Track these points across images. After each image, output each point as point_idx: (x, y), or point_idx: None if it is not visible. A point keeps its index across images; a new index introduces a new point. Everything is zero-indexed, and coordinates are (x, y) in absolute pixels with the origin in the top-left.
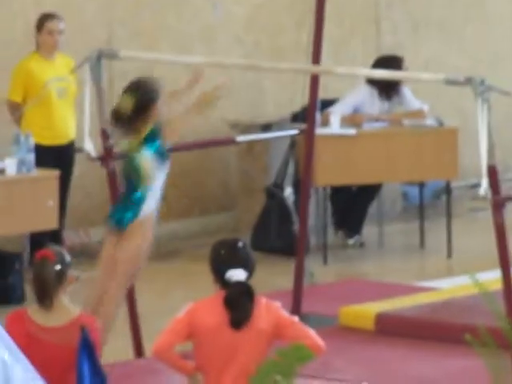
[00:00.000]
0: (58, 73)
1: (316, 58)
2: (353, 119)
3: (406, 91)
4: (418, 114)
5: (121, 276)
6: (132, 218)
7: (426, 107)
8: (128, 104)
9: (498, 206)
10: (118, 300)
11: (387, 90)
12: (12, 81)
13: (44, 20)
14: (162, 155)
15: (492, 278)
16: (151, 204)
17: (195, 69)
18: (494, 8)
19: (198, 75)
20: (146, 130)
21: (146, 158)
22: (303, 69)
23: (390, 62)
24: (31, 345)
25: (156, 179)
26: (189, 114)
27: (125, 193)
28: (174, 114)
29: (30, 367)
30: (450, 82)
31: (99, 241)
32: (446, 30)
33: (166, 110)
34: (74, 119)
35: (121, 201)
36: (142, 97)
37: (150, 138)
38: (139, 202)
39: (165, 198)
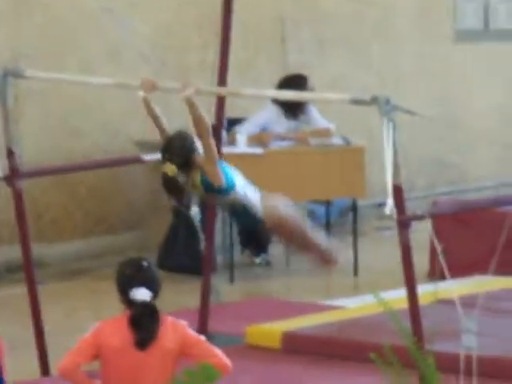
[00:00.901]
0: None
1: (222, 79)
2: (260, 138)
3: (313, 110)
4: (324, 132)
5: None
6: None
7: (332, 126)
8: (172, 170)
9: (403, 225)
10: None
11: (293, 109)
12: None
13: None
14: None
15: (398, 296)
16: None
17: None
18: (400, 27)
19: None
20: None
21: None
22: (212, 90)
23: (294, 80)
24: None
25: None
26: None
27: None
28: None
29: None
30: (356, 102)
31: (4, 261)
32: (352, 48)
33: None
34: None
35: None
36: (180, 156)
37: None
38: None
39: (71, 216)
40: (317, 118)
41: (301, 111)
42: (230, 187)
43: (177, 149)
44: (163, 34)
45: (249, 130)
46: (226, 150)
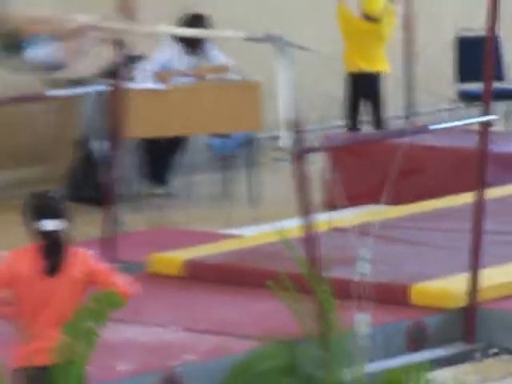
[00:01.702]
0: None
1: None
2: (160, 76)
3: (212, 47)
4: (222, 68)
5: None
6: None
7: (231, 62)
8: None
9: (297, 156)
10: None
11: (193, 46)
12: None
13: None
14: None
15: (295, 225)
16: None
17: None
18: None
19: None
20: None
21: None
22: (123, 29)
23: (195, 19)
24: None
25: None
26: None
27: None
28: None
29: None
30: (251, 39)
31: None
32: None
33: None
34: None
35: None
36: None
37: None
38: None
39: None
40: (216, 55)
41: (200, 48)
42: None
43: None
44: None
45: (150, 67)
46: (128, 85)
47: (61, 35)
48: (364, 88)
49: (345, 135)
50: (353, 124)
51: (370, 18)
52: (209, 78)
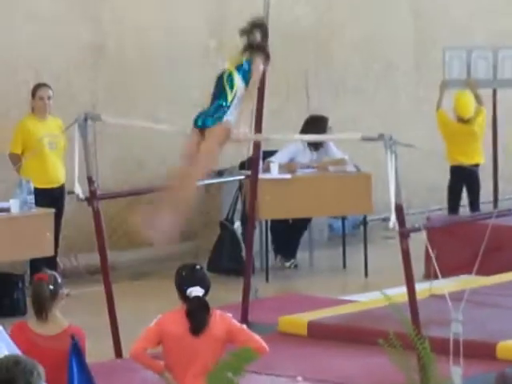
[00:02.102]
0: (49, 130)
1: (259, 123)
2: (288, 167)
3: (330, 144)
4: (341, 161)
5: (202, 161)
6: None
7: (346, 156)
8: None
9: (403, 236)
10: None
11: (315, 144)
12: (13, 137)
13: (36, 89)
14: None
15: (400, 292)
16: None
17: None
18: (399, 77)
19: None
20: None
21: (238, 78)
22: (252, 138)
23: (317, 121)
24: (31, 349)
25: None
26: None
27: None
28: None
29: None
30: (366, 139)
31: (86, 265)
32: (361, 94)
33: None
34: (63, 167)
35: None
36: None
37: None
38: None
39: (138, 230)
40: (334, 150)
41: (321, 145)
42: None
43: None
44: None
45: (280, 159)
46: (261, 176)
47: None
48: (464, 179)
49: (442, 217)
50: (455, 209)
51: (464, 120)
52: (330, 169)
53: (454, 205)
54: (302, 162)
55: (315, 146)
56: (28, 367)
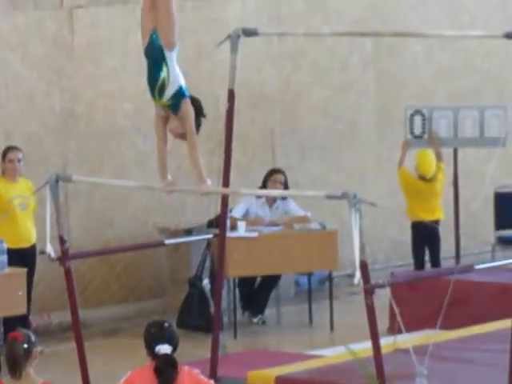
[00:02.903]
0: (20, 192)
1: (226, 180)
2: (253, 223)
3: (291, 201)
4: (304, 219)
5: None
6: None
7: (309, 214)
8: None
9: (368, 292)
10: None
11: (272, 199)
12: None
13: (6, 151)
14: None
15: (366, 347)
16: None
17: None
18: (364, 136)
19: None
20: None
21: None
22: (217, 191)
23: (274, 172)
24: None
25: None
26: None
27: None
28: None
29: None
30: (330, 197)
31: (58, 323)
32: (326, 154)
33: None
34: (33, 227)
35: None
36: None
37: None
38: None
39: (108, 288)
40: (295, 208)
41: (280, 201)
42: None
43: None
44: (179, 144)
45: (238, 212)
46: (229, 234)
47: None
48: (425, 234)
49: (406, 273)
50: (420, 264)
51: (426, 178)
52: (295, 227)
53: (418, 261)
54: (260, 214)
55: (273, 201)
56: None
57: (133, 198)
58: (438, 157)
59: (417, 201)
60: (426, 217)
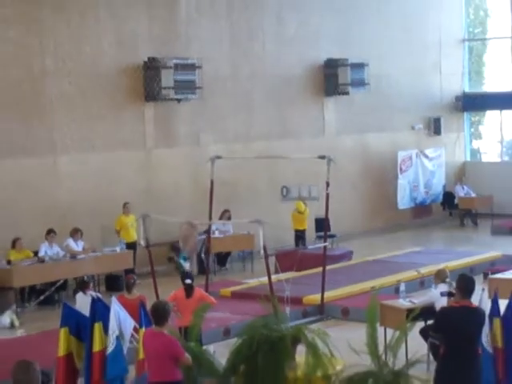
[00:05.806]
0: (131, 221)
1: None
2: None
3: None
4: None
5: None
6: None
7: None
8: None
9: (266, 258)
10: None
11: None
12: None
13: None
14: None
15: (266, 279)
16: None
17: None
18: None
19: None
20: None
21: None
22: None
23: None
24: None
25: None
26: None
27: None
28: None
29: None
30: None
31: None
32: None
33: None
34: (135, 232)
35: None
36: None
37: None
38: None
39: None
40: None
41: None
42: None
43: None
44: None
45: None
46: None
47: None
48: (300, 236)
49: (285, 250)
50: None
51: (300, 212)
52: None
53: (297, 245)
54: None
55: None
56: None
57: None
58: (304, 203)
59: (296, 221)
60: (300, 227)
